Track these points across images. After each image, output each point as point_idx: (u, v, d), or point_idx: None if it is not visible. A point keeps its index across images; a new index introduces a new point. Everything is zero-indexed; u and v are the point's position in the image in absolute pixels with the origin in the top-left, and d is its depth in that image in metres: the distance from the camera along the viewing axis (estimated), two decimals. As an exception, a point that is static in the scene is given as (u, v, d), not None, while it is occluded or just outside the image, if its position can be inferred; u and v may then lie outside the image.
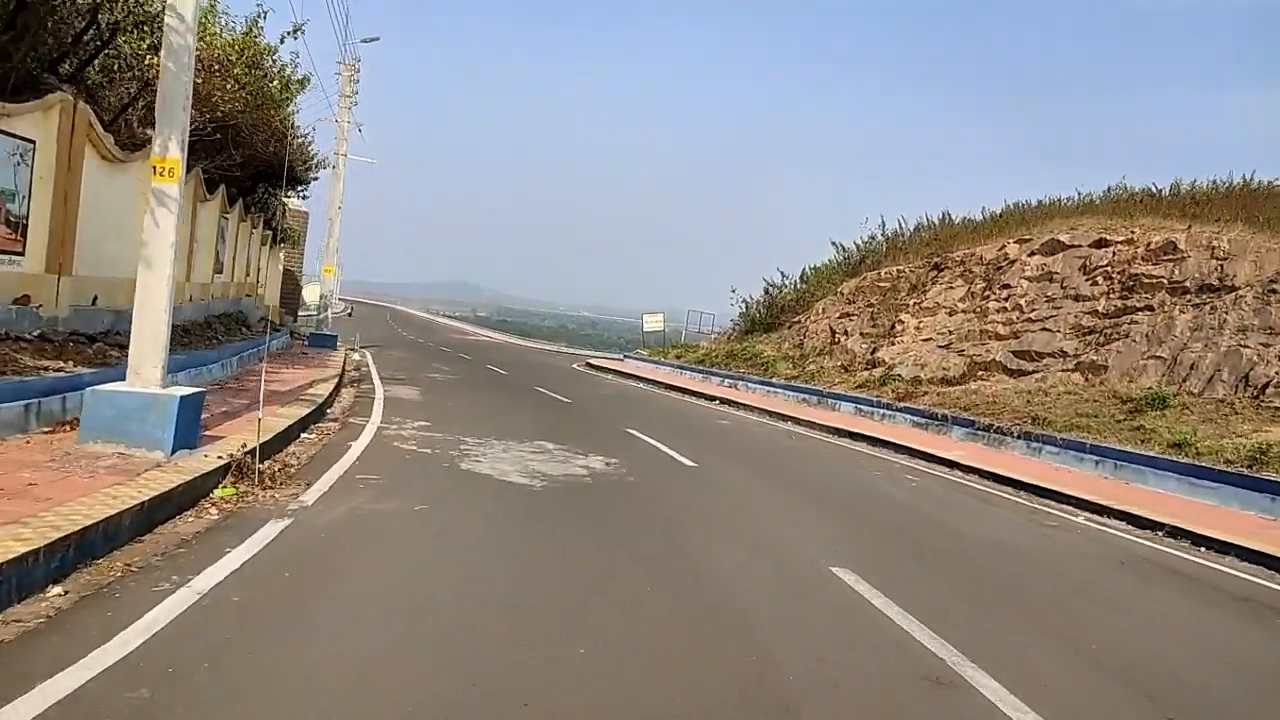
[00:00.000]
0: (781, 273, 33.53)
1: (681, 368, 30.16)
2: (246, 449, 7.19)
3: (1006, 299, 20.06)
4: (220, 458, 7.06)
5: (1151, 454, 12.56)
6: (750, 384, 24.61)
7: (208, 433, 8.16)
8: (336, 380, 15.13)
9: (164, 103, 6.90)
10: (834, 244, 34.33)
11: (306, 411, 10.62)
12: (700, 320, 40.45)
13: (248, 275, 20.36)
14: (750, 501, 9.09)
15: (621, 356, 37.48)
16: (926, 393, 18.11)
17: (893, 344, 22.00)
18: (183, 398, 6.86)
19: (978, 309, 20.74)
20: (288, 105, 14.76)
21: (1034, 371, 17.93)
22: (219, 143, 12.40)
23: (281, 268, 26.03)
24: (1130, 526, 9.80)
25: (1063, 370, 17.30)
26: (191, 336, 12.93)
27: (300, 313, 32.53)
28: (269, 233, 23.37)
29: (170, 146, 6.89)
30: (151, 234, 6.89)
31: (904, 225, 31.20)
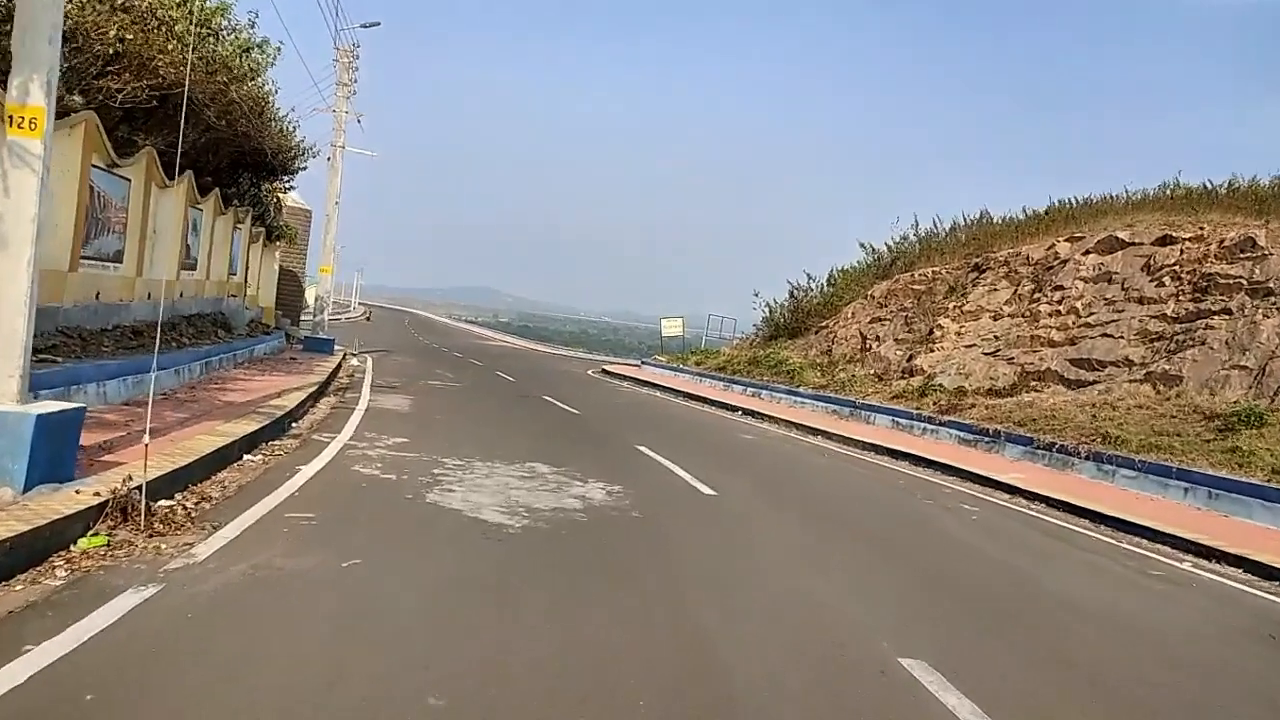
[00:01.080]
0: (808, 274, 31.75)
1: (701, 375, 28.43)
2: (134, 482, 5.57)
3: (1060, 301, 18.15)
4: (98, 494, 5.43)
5: (1257, 482, 10.66)
6: (776, 393, 22.83)
7: (106, 457, 6.57)
8: (315, 389, 13.57)
9: (22, 34, 5.31)
10: (862, 245, 32.55)
11: (257, 427, 9.02)
12: (721, 325, 38.75)
13: (232, 274, 18.89)
14: (783, 548, 7.33)
15: (639, 363, 35.81)
16: (974, 405, 16.26)
17: (931, 350, 20.14)
18: (42, 417, 5.25)
19: (1027, 312, 18.84)
20: (254, 78, 13.25)
21: (1095, 382, 16.02)
22: (163, 115, 10.88)
23: (278, 267, 24.64)
24: (1253, 577, 7.95)
25: (1129, 381, 15.38)
26: (144, 339, 11.39)
27: (304, 316, 31.16)
28: (261, 230, 21.92)
29: (32, 90, 5.30)
30: (4, 206, 5.30)
31: (939, 224, 29.36)
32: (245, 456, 8.23)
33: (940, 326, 20.81)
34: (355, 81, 22.12)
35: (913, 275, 26.23)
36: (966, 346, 19.08)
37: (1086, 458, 12.91)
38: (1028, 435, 14.11)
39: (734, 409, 20.72)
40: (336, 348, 25.88)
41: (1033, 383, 16.52)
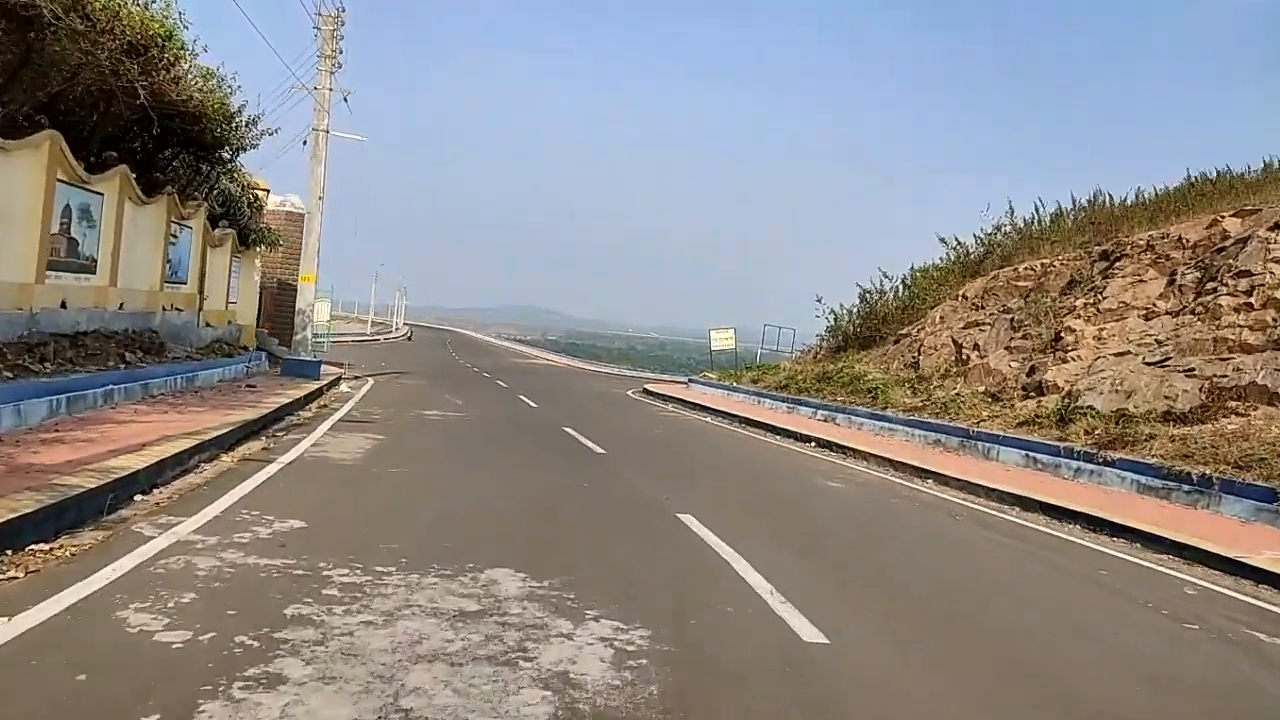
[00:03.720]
0: (884, 273, 27.27)
1: (759, 395, 24.10)
2: None
3: (1249, 292, 13.48)
4: None
5: None
6: (855, 417, 18.42)
7: None
8: (231, 432, 9.72)
9: None
10: (942, 240, 28.04)
11: (28, 510, 5.12)
12: (779, 337, 34.30)
13: (176, 284, 15.24)
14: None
15: (686, 381, 31.58)
16: (1151, 435, 11.67)
17: (1064, 361, 15.56)
18: None
19: (1199, 308, 14.18)
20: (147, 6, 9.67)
21: (1326, 400, 11.37)
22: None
23: (259, 279, 21.07)
24: None
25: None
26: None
27: (311, 335, 27.66)
28: (231, 233, 18.36)
29: None
30: None
31: (1041, 210, 24.72)
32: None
33: (1071, 330, 16.22)
34: (340, 52, 18.54)
35: (1015, 270, 21.67)
36: (1116, 355, 14.47)
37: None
38: (1264, 485, 9.53)
39: (805, 439, 16.38)
40: (334, 369, 22.28)
41: (1230, 402, 11.89)
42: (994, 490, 10.89)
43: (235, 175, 18.94)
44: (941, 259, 27.82)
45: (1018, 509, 10.31)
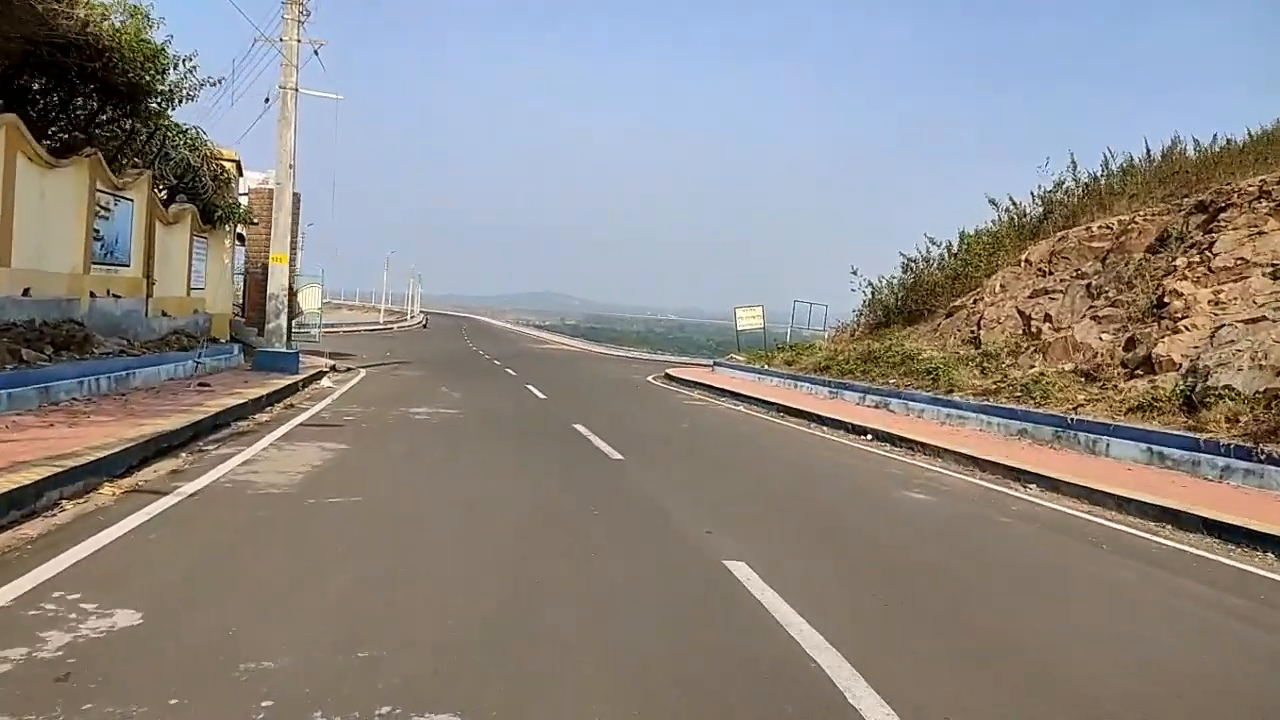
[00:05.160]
0: (930, 239, 24.58)
1: (796, 378, 21.58)
2: None
3: None
4: None
5: None
6: (914, 403, 15.87)
7: None
8: (138, 448, 7.40)
9: None
10: (992, 202, 25.31)
11: None
12: (810, 315, 31.65)
13: (114, 266, 12.94)
14: None
15: (710, 364, 29.06)
16: (1326, 423, 9.11)
17: (1175, 331, 12.91)
18: None
19: (1350, 261, 11.52)
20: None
21: None
22: None
23: (229, 261, 18.69)
24: None
25: None
26: None
27: (296, 327, 25.43)
28: (189, 208, 16.02)
29: None
30: None
31: (1111, 161, 21.91)
32: None
33: (1176, 294, 13.56)
34: (308, -1, 16.05)
35: (1087, 230, 18.96)
36: (1247, 322, 11.82)
37: None
38: None
39: (859, 430, 13.88)
40: (323, 362, 20.04)
41: None
42: (1130, 501, 8.35)
43: (197, 144, 16.58)
44: (993, 222, 25.13)
45: (1169, 526, 7.78)
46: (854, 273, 27.48)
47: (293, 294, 24.95)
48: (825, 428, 14.77)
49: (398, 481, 7.92)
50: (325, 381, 16.58)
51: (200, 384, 12.77)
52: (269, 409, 12.25)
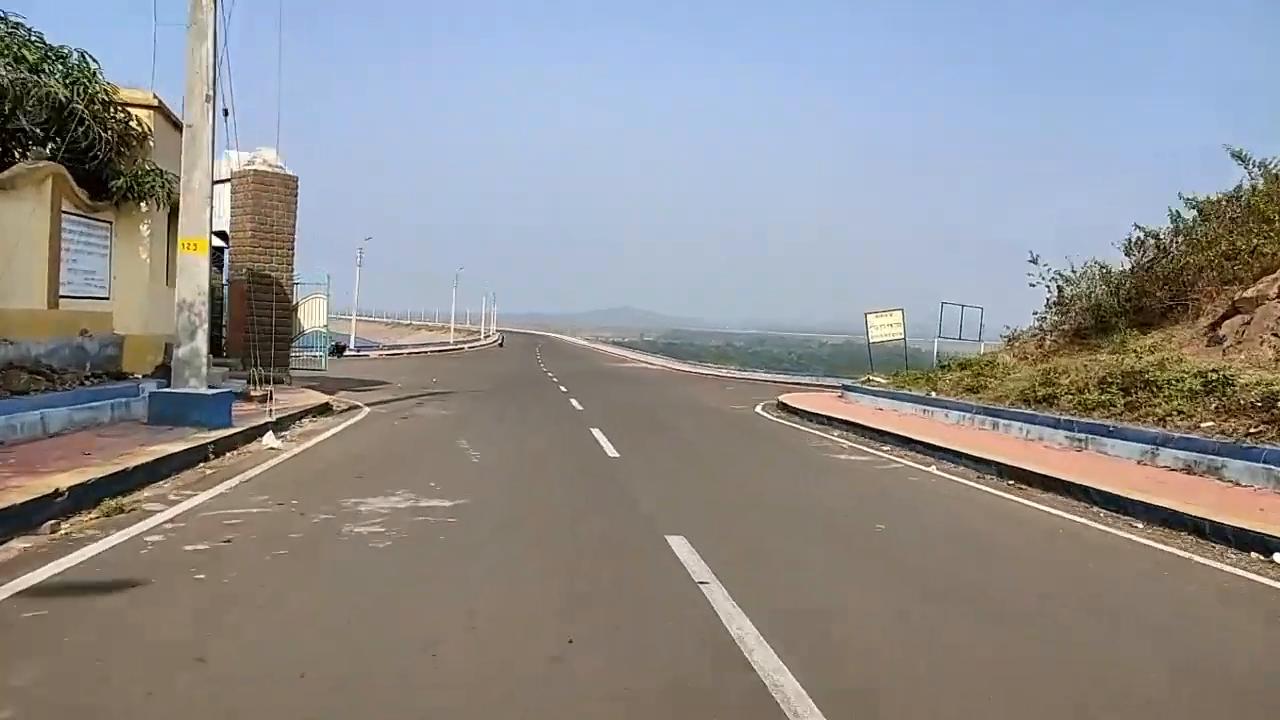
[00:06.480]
0: (1175, 211, 17.17)
1: (992, 413, 14.44)
2: None
3: None
4: None
5: None
6: (1264, 464, 8.70)
7: None
8: None
9: None
10: (1236, 156, 17.86)
11: None
12: (962, 319, 24.29)
13: None
14: None
15: (839, 390, 21.97)
16: None
17: None
18: None
19: None
20: None
21: None
22: None
23: (148, 257, 12.71)
24: None
25: None
26: None
27: (293, 350, 19.68)
28: (43, 168, 10.18)
29: None
30: None
31: None
32: None
33: None
34: None
35: None
36: None
37: None
38: None
39: (1239, 540, 6.84)
40: (314, 397, 14.15)
41: None
42: None
43: (80, 78, 10.78)
44: (1242, 186, 17.54)
45: None
46: (1032, 260, 20.23)
47: (289, 309, 19.25)
48: (1147, 527, 7.73)
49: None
50: (268, 439, 10.40)
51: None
52: (53, 526, 6.01)
